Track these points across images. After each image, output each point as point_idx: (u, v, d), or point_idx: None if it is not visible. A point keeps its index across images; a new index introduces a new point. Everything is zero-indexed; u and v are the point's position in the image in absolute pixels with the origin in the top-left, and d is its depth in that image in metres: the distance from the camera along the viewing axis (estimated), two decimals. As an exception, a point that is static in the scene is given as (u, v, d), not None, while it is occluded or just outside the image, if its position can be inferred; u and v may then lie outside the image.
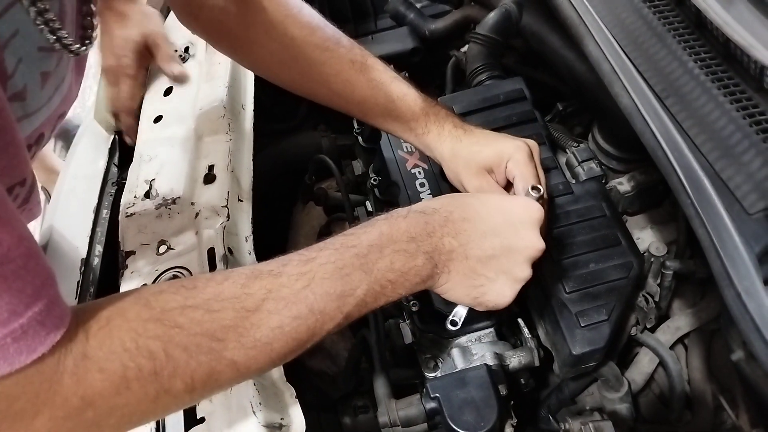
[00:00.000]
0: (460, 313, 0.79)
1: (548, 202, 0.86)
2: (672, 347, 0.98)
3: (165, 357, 0.54)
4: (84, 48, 0.67)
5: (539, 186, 0.81)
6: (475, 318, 0.92)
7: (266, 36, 0.89)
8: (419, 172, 1.06)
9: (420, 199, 1.03)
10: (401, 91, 0.92)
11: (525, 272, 0.74)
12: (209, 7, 0.87)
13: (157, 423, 0.74)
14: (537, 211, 0.75)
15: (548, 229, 0.90)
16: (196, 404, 0.74)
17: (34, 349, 0.48)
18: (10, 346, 0.47)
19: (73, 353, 0.52)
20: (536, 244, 0.74)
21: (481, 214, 0.73)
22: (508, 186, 0.88)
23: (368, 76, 0.91)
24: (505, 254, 0.73)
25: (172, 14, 1.29)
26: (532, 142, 0.89)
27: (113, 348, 0.53)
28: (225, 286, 0.60)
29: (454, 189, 0.95)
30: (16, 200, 0.62)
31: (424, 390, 0.83)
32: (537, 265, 0.76)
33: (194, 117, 1.08)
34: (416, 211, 0.71)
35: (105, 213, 1.07)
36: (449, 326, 0.80)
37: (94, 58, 2.72)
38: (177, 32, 1.24)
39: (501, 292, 0.74)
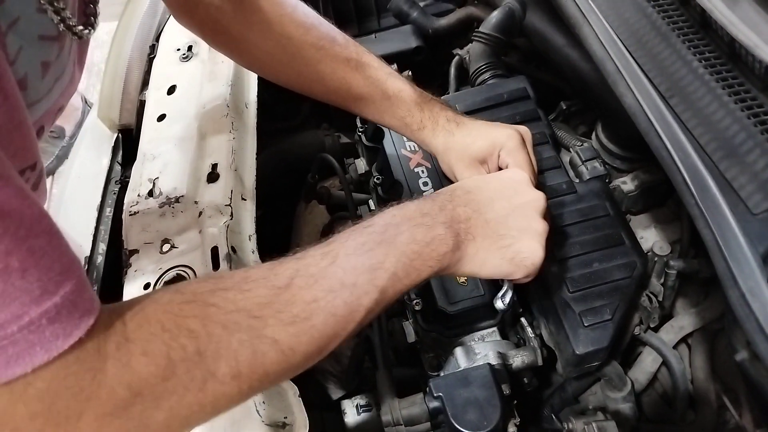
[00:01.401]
0: (508, 291, 0.80)
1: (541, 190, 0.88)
2: (675, 347, 0.98)
3: (206, 335, 0.53)
4: (88, 31, 0.66)
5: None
6: (479, 316, 0.93)
7: (262, 35, 0.89)
8: (422, 171, 1.06)
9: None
10: (397, 87, 0.92)
11: (541, 224, 0.75)
12: (205, 5, 0.87)
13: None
14: (523, 174, 0.79)
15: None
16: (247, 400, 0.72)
17: (70, 333, 0.46)
18: (46, 328, 0.44)
19: (113, 338, 0.50)
20: (537, 196, 0.77)
21: (480, 186, 0.76)
22: None
23: (364, 74, 0.92)
24: (516, 212, 0.74)
25: (174, 13, 1.29)
26: (524, 129, 0.90)
27: (153, 330, 0.52)
28: (251, 272, 0.60)
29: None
30: (27, 185, 0.61)
31: (427, 389, 0.83)
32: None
33: (197, 116, 1.07)
34: (421, 196, 0.73)
35: (108, 211, 1.07)
36: (499, 305, 0.80)
37: (99, 56, 2.73)
38: (180, 31, 1.24)
39: (531, 247, 0.73)
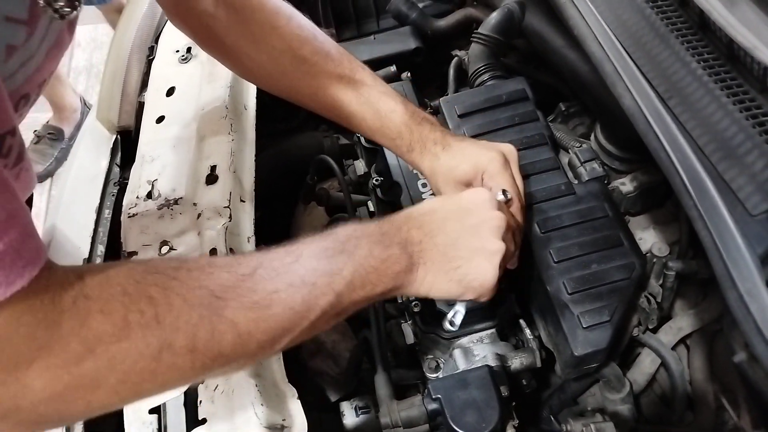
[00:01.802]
0: (458, 312, 0.80)
1: (524, 207, 0.89)
2: (674, 348, 0.98)
3: (166, 305, 0.54)
4: (70, 10, 0.64)
5: (507, 190, 0.84)
6: (477, 318, 0.93)
7: (255, 47, 0.89)
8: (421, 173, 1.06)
9: (422, 200, 1.03)
10: (388, 107, 0.92)
11: (496, 244, 0.75)
12: (198, 12, 0.87)
13: (159, 424, 0.74)
14: (484, 193, 0.79)
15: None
16: (198, 382, 0.71)
17: (12, 282, 0.46)
18: None
19: (70, 292, 0.50)
20: (493, 215, 0.76)
21: (435, 208, 0.77)
22: None
23: (357, 92, 0.92)
24: (469, 233, 0.75)
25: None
26: (508, 148, 0.90)
27: (112, 291, 0.52)
28: (216, 259, 0.63)
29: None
30: (10, 154, 0.60)
31: (426, 391, 0.83)
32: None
33: (196, 117, 1.07)
34: (379, 221, 0.74)
35: (107, 213, 1.07)
36: (448, 326, 0.81)
37: (98, 57, 2.71)
38: (179, 33, 1.23)
39: (481, 269, 0.74)
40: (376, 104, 0.92)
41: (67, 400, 0.51)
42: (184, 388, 0.76)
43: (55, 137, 2.68)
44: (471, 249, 0.74)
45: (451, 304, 0.90)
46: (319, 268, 0.65)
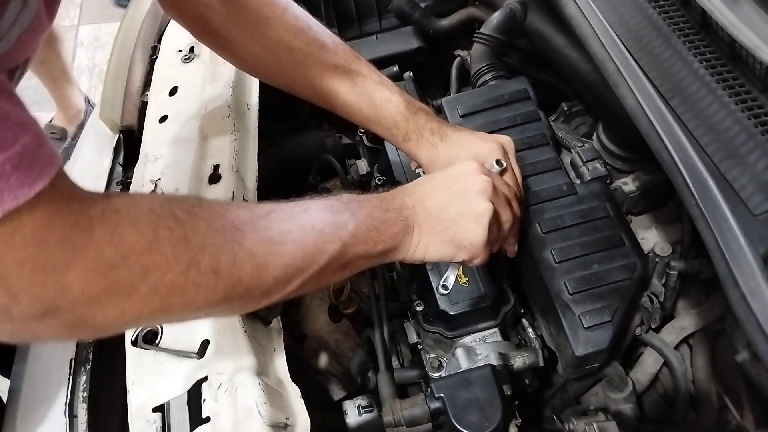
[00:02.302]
0: (450, 275, 0.84)
1: (523, 183, 0.92)
2: (677, 347, 0.98)
3: (192, 226, 0.57)
4: None
5: (500, 160, 0.86)
6: (480, 317, 0.93)
7: (251, 37, 0.89)
8: (423, 172, 1.06)
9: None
10: (384, 97, 0.93)
11: (482, 205, 0.78)
12: (192, 1, 0.87)
13: (163, 422, 0.75)
14: (471, 164, 0.81)
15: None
16: (221, 307, 0.70)
17: (34, 182, 0.48)
18: (11, 175, 0.46)
19: (99, 205, 0.53)
20: (480, 180, 0.79)
21: (427, 179, 0.81)
22: None
23: (352, 82, 0.93)
24: (456, 197, 0.78)
25: (176, 14, 1.29)
26: (506, 140, 0.91)
27: (140, 210, 0.55)
28: (231, 203, 0.68)
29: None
30: None
31: (429, 390, 0.83)
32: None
33: (199, 117, 1.08)
34: (375, 193, 0.79)
35: (110, 212, 1.07)
36: (441, 290, 0.83)
37: (101, 57, 2.71)
38: (181, 32, 1.23)
39: (470, 228, 0.77)
40: (371, 94, 0.93)
41: (103, 304, 0.54)
42: (202, 319, 0.78)
43: (58, 137, 2.69)
44: (459, 211, 0.77)
45: (454, 304, 0.91)
46: (326, 219, 0.69)
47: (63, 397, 0.85)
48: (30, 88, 3.02)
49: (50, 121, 2.78)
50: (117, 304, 0.54)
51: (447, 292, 0.84)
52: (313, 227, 0.68)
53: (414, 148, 0.92)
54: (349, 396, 1.02)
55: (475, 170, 0.79)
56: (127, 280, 0.54)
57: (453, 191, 0.78)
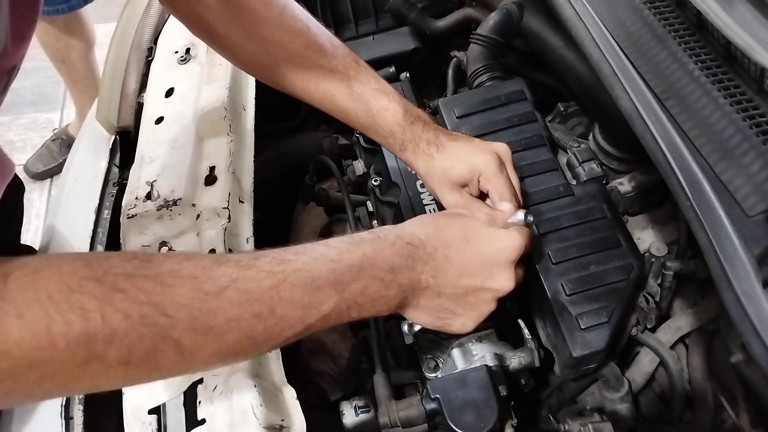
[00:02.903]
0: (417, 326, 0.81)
1: (521, 187, 0.90)
2: (673, 347, 0.98)
3: (101, 319, 0.50)
4: None
5: (529, 214, 0.83)
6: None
7: (247, 36, 0.88)
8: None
9: (420, 200, 1.03)
10: (381, 105, 0.91)
11: (490, 308, 0.77)
12: None
13: (158, 424, 0.75)
14: (516, 250, 0.76)
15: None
16: (128, 386, 0.68)
17: None
18: None
19: None
20: (506, 286, 0.76)
21: (464, 254, 0.75)
22: (484, 196, 0.88)
23: (350, 88, 0.91)
24: (475, 293, 0.76)
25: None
26: (502, 148, 0.89)
27: (37, 296, 0.49)
28: (185, 265, 0.56)
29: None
30: None
31: (425, 391, 0.83)
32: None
33: (195, 118, 1.08)
34: (404, 241, 0.71)
35: (106, 214, 1.07)
36: (405, 329, 0.82)
37: (98, 58, 2.71)
38: (177, 33, 1.24)
39: (464, 324, 0.77)
40: (368, 101, 0.91)
41: None
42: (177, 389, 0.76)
43: (66, 144, 2.70)
44: (467, 306, 0.76)
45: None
46: (296, 300, 0.61)
47: (59, 399, 0.85)
48: (26, 89, 3.03)
49: (66, 126, 2.79)
50: (3, 387, 0.50)
51: (410, 335, 0.83)
52: (272, 313, 0.59)
53: (411, 158, 0.91)
54: (346, 396, 1.02)
55: (509, 265, 0.76)
56: (11, 371, 0.48)
57: (477, 285, 0.75)
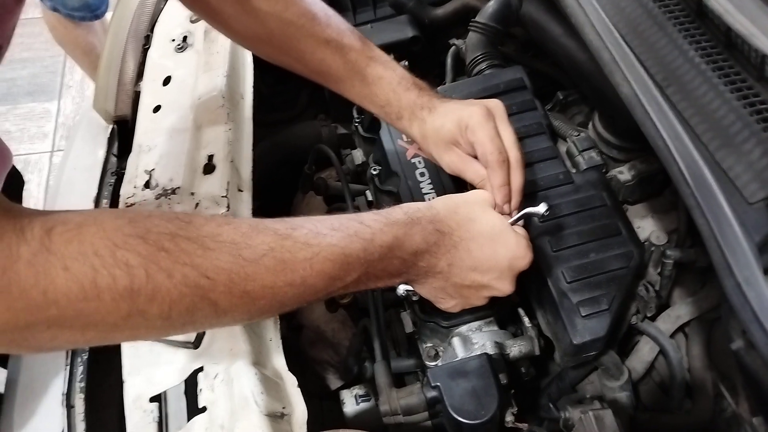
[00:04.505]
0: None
1: (523, 160, 0.89)
2: (672, 336, 0.98)
3: (145, 276, 0.52)
4: None
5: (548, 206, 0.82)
6: (475, 307, 0.93)
7: (240, 8, 0.88)
8: (419, 162, 1.06)
9: (420, 189, 1.03)
10: (376, 74, 0.91)
11: (481, 303, 0.82)
12: None
13: (159, 412, 0.75)
14: (528, 262, 0.79)
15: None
16: (163, 336, 0.71)
17: None
18: None
19: (29, 244, 0.48)
20: (506, 290, 0.80)
21: (485, 250, 0.77)
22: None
23: (344, 57, 0.90)
24: (476, 288, 0.79)
25: (171, 1, 1.28)
26: (493, 103, 0.88)
27: (83, 250, 0.50)
28: (225, 229, 0.58)
29: (455, 178, 0.95)
30: None
31: (425, 379, 0.83)
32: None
33: (193, 107, 1.07)
34: (434, 227, 0.74)
35: (105, 203, 1.07)
36: (399, 291, 0.82)
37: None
38: (174, 21, 1.23)
39: (453, 307, 0.83)
40: (363, 70, 0.91)
41: (34, 332, 0.51)
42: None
43: None
44: (463, 295, 0.80)
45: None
46: (327, 272, 0.64)
47: (60, 387, 0.85)
48: (23, 79, 3.02)
49: None
50: (49, 332, 0.51)
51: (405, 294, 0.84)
52: (304, 282, 0.62)
53: (407, 126, 0.91)
54: (347, 385, 1.02)
55: (514, 269, 0.78)
56: (58, 318, 0.50)
57: (482, 282, 0.78)
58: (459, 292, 0.79)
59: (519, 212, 0.84)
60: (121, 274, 0.51)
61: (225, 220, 0.60)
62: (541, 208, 0.82)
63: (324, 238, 0.64)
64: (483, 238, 0.77)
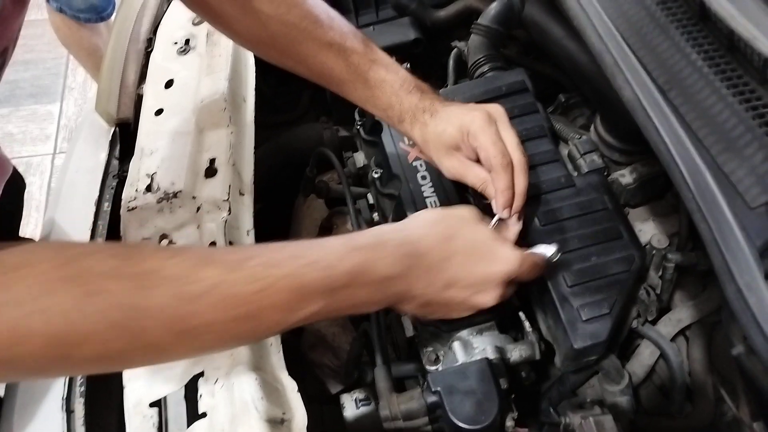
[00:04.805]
0: None
1: (527, 164, 0.89)
2: (673, 339, 0.98)
3: (75, 321, 0.51)
4: None
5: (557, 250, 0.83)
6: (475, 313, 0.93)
7: (242, 10, 0.87)
8: (421, 165, 1.06)
9: (421, 192, 1.03)
10: (378, 77, 0.90)
11: (464, 315, 0.80)
12: None
13: (159, 418, 0.75)
14: (515, 273, 0.77)
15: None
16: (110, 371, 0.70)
17: None
18: None
19: None
20: (489, 304, 0.78)
21: (464, 267, 0.74)
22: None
23: (347, 60, 0.90)
24: (457, 303, 0.77)
25: (173, 4, 1.28)
26: (494, 107, 0.88)
27: (12, 296, 0.50)
28: (169, 264, 0.56)
29: (457, 182, 0.95)
30: None
31: (425, 384, 0.83)
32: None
33: (195, 110, 1.07)
34: (406, 250, 0.70)
35: (106, 206, 1.07)
36: None
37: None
38: (177, 24, 1.23)
39: (432, 315, 0.80)
40: (365, 74, 0.90)
41: None
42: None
43: None
44: (445, 309, 0.78)
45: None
46: (280, 305, 0.61)
47: (60, 392, 0.85)
48: (26, 81, 3.03)
49: None
50: None
51: None
52: (253, 317, 0.59)
53: (408, 128, 0.91)
54: (347, 389, 1.02)
55: (499, 286, 0.76)
56: None
57: (460, 299, 0.76)
58: (440, 309, 0.77)
59: (530, 249, 0.83)
60: (49, 320, 0.50)
61: (171, 253, 0.58)
62: (551, 249, 0.83)
63: (278, 269, 0.60)
64: (460, 255, 0.74)
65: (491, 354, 0.87)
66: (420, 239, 0.72)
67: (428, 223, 0.75)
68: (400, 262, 0.69)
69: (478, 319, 0.93)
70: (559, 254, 0.83)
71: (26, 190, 1.42)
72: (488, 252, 0.76)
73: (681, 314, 0.99)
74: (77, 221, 1.06)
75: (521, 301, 0.97)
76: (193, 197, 0.96)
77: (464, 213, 0.80)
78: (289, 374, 0.80)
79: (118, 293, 0.53)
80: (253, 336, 0.63)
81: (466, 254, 0.74)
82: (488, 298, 0.76)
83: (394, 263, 0.69)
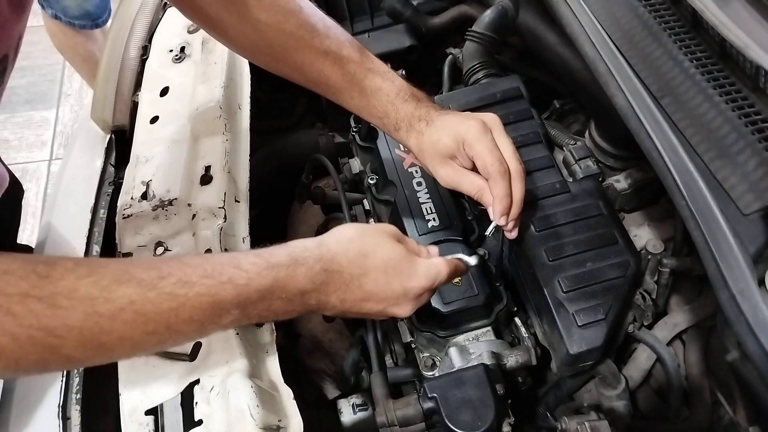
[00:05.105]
0: None
1: (524, 171, 0.88)
2: (669, 343, 0.99)
3: None
4: None
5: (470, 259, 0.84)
6: (472, 316, 0.93)
7: (239, 18, 0.88)
8: (416, 171, 1.06)
9: (417, 198, 1.03)
10: (374, 86, 0.91)
11: (381, 319, 0.81)
12: None
13: (155, 425, 0.75)
14: (430, 286, 0.77)
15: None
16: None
17: None
18: None
19: None
20: (403, 314, 0.78)
21: (378, 283, 0.75)
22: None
23: (343, 69, 0.90)
24: (374, 313, 0.77)
25: (169, 12, 1.29)
26: (489, 116, 0.88)
27: None
28: (84, 283, 0.57)
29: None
30: None
31: (422, 390, 0.83)
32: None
33: (190, 118, 1.07)
34: (322, 267, 0.71)
35: (102, 213, 1.07)
36: None
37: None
38: (173, 31, 1.23)
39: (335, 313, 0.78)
40: (361, 82, 0.91)
41: None
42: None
43: None
44: (362, 315, 0.78)
45: (446, 303, 0.91)
46: (196, 320, 0.63)
47: (56, 399, 0.84)
48: (22, 87, 3.02)
49: None
50: None
51: None
52: (168, 330, 0.61)
53: (404, 137, 0.91)
54: (344, 395, 1.02)
55: (416, 296, 0.77)
56: None
57: (376, 309, 0.76)
58: (358, 315, 0.78)
59: (452, 256, 0.85)
60: None
61: (87, 271, 0.59)
62: (473, 260, 0.84)
63: (192, 288, 0.62)
64: (376, 272, 0.75)
65: (488, 359, 0.87)
66: (335, 256, 0.73)
67: (345, 240, 0.76)
68: (315, 278, 0.71)
69: (474, 325, 0.93)
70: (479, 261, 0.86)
71: (23, 197, 1.42)
72: (404, 269, 0.77)
73: (677, 318, 0.99)
74: (73, 228, 1.06)
75: (517, 306, 0.98)
76: (189, 204, 0.96)
77: (382, 229, 0.80)
78: (285, 381, 0.80)
79: (31, 314, 0.54)
80: (171, 344, 0.66)
81: (381, 271, 0.75)
82: (404, 310, 0.78)
83: (309, 280, 0.70)
